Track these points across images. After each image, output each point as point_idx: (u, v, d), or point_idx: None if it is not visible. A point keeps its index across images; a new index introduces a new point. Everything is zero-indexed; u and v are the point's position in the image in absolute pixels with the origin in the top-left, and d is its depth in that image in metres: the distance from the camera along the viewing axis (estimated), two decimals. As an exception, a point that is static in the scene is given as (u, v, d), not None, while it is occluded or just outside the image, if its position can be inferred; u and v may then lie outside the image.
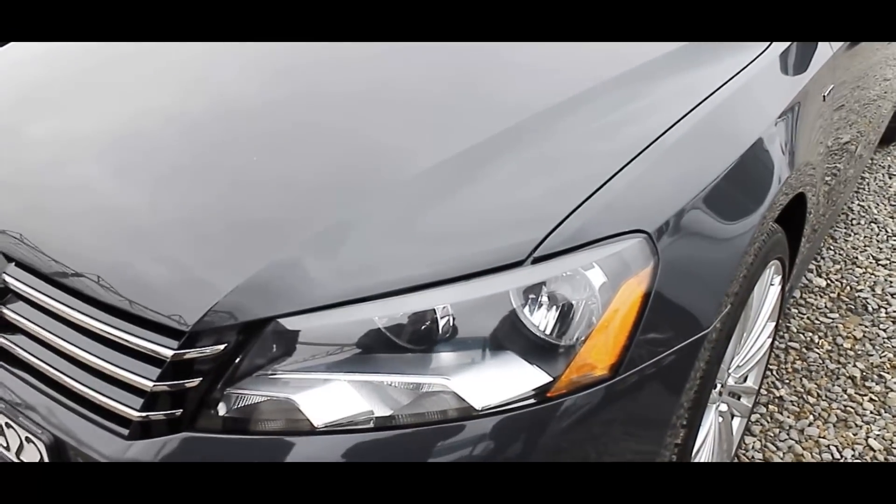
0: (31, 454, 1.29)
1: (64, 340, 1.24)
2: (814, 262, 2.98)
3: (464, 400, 1.15)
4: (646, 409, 1.30)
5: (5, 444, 1.34)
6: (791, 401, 2.30)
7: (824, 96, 1.87)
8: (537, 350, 1.18)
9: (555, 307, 1.18)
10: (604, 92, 1.51)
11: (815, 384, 2.37)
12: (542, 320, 1.18)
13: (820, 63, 1.84)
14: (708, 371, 1.41)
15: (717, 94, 1.52)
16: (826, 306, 2.73)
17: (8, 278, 1.33)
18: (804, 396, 2.32)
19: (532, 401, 1.16)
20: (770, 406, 2.27)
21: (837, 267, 2.96)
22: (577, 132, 1.40)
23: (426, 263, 1.18)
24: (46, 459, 1.26)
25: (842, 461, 2.09)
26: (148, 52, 1.82)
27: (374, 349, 1.17)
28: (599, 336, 1.19)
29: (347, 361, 1.17)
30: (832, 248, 3.09)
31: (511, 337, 1.17)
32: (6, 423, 1.31)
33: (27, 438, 1.28)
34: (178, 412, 1.17)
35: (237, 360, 1.16)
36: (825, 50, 1.89)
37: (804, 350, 2.51)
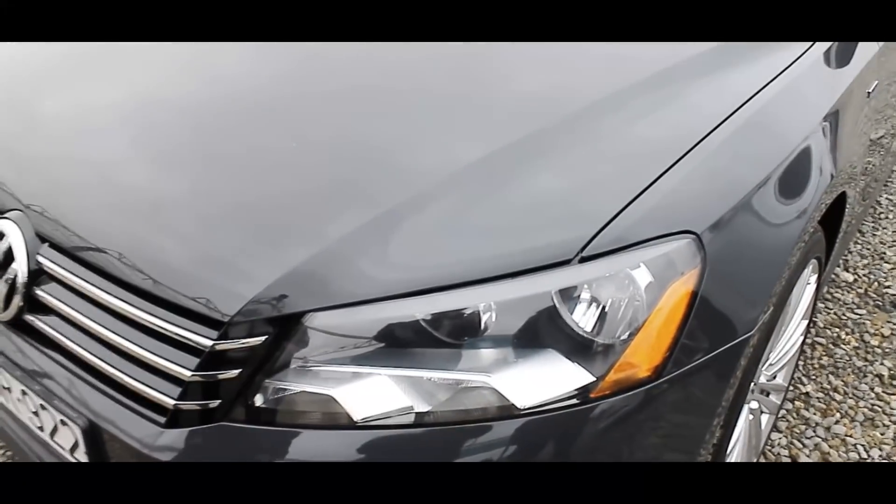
0: (66, 437, 1.29)
1: (101, 326, 1.23)
2: (842, 256, 2.95)
3: (505, 397, 1.13)
4: (687, 411, 1.28)
5: (40, 426, 1.33)
6: (818, 397, 2.28)
7: (868, 93, 1.83)
8: (580, 349, 1.16)
9: (599, 306, 1.16)
10: (642, 91, 1.47)
11: (842, 381, 2.35)
12: (585, 319, 1.16)
13: (865, 59, 1.80)
14: (747, 371, 1.39)
15: (761, 93, 1.49)
16: (854, 302, 2.70)
17: (42, 259, 1.32)
18: (830, 393, 2.30)
19: (575, 401, 1.15)
20: (797, 402, 2.26)
21: (865, 262, 2.93)
22: (619, 132, 1.37)
23: (471, 260, 1.16)
24: (81, 443, 1.26)
25: (868, 461, 2.08)
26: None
27: (415, 344, 1.15)
28: (644, 336, 1.17)
29: (387, 356, 1.15)
30: (859, 242, 3.05)
31: (554, 335, 1.16)
32: (41, 405, 1.30)
33: (62, 421, 1.27)
34: (216, 402, 1.16)
35: (276, 352, 1.15)
36: (870, 45, 1.85)
37: (831, 346, 2.49)
